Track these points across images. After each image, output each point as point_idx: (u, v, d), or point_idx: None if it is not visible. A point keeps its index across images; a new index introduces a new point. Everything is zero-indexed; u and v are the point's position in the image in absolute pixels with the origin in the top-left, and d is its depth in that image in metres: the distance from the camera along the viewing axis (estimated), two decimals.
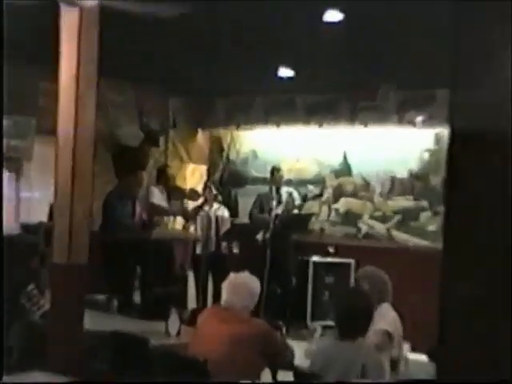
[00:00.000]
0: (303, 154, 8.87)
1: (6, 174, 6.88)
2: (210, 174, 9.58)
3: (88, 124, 4.52)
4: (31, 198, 7.61)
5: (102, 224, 7.09)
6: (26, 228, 7.09)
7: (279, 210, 7.76)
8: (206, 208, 7.74)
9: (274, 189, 7.91)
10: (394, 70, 7.05)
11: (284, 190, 7.99)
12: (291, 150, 8.93)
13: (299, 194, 8.24)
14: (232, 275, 4.06)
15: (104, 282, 6.75)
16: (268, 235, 7.56)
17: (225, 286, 4.01)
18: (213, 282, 7.72)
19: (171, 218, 7.98)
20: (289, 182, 8.48)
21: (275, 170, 8.03)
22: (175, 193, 7.84)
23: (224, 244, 7.77)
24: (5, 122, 5.99)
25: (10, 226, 6.61)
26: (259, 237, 7.75)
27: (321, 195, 8.47)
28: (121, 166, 8.21)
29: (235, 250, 7.88)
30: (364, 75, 7.30)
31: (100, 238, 6.89)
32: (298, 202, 8.01)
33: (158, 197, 7.58)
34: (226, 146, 9.55)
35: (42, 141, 7.14)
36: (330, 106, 8.49)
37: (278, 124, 8.93)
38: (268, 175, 8.25)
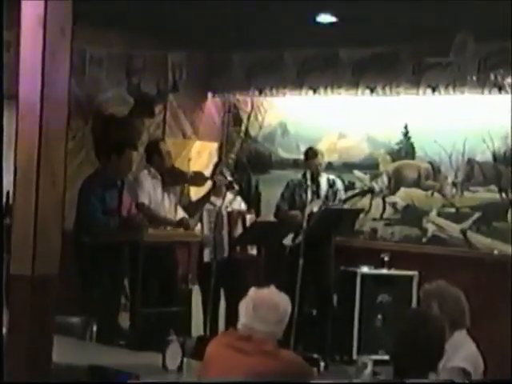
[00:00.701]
0: (349, 129, 8.87)
1: None
2: (222, 154, 9.55)
3: (60, 85, 4.51)
4: None
5: (78, 221, 7.10)
6: None
7: (316, 206, 7.73)
8: (217, 200, 7.72)
9: (309, 175, 7.87)
10: (473, 13, 6.97)
11: (323, 177, 7.97)
12: (333, 122, 8.93)
13: (343, 182, 8.22)
14: (253, 291, 4.07)
15: (80, 299, 6.77)
16: (300, 238, 7.54)
17: (243, 306, 4.02)
18: (226, 301, 7.75)
19: (169, 212, 7.92)
20: (329, 167, 8.46)
21: (311, 152, 8.00)
22: (173, 178, 7.78)
23: (241, 249, 7.74)
24: None
25: None
26: (288, 241, 7.74)
27: (371, 191, 8.43)
28: (103, 143, 8.21)
29: (255, 256, 7.85)
30: (432, 21, 7.22)
31: (75, 240, 6.90)
32: (341, 193, 8.00)
33: (149, 186, 7.54)
34: (244, 117, 9.54)
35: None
36: (385, 64, 8.44)
37: (314, 88, 8.90)
38: (301, 156, 8.24)
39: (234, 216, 7.74)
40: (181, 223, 7.57)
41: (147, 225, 7.10)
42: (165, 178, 7.64)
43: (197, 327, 7.76)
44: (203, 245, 7.64)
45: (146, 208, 7.41)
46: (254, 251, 7.79)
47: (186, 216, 7.68)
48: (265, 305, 3.97)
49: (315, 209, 7.72)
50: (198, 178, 7.91)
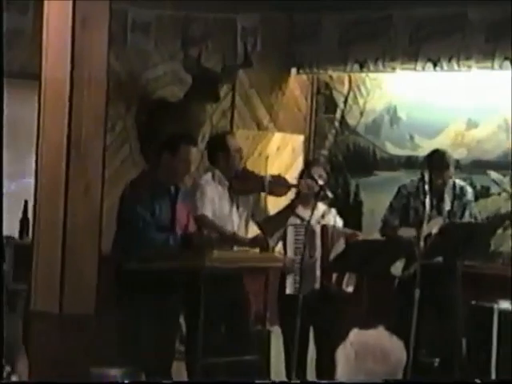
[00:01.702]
0: (481, 114, 8.86)
1: None
2: (309, 150, 9.54)
3: (96, 62, 4.59)
4: None
5: (119, 240, 7.12)
6: None
7: (436, 225, 7.65)
8: (305, 212, 7.74)
9: (427, 177, 7.73)
10: None
11: (449, 184, 7.95)
12: (459, 106, 8.92)
13: (474, 188, 8.24)
14: (354, 334, 4.06)
15: (121, 345, 6.81)
16: (416, 266, 7.46)
17: (341, 354, 4.01)
18: (317, 347, 7.77)
19: (239, 228, 7.94)
20: (455, 166, 8.30)
21: (439, 159, 7.89)
22: (244, 184, 7.79)
23: (336, 277, 7.73)
24: None
25: None
26: (397, 268, 7.73)
27: None
28: (151, 136, 8.25)
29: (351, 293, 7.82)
30: None
31: (115, 265, 6.92)
32: (472, 206, 7.98)
33: (213, 194, 7.56)
34: (340, 100, 9.55)
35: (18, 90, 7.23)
36: None
37: (434, 59, 8.89)
38: (418, 152, 8.33)
39: (329, 233, 7.75)
40: (255, 243, 7.52)
41: (214, 244, 7.04)
42: (233, 184, 7.64)
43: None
44: (286, 271, 7.64)
45: (209, 222, 7.42)
46: (349, 288, 7.75)
47: (262, 234, 7.67)
48: (370, 352, 3.96)
49: (435, 229, 7.62)
50: (277, 184, 7.82)
